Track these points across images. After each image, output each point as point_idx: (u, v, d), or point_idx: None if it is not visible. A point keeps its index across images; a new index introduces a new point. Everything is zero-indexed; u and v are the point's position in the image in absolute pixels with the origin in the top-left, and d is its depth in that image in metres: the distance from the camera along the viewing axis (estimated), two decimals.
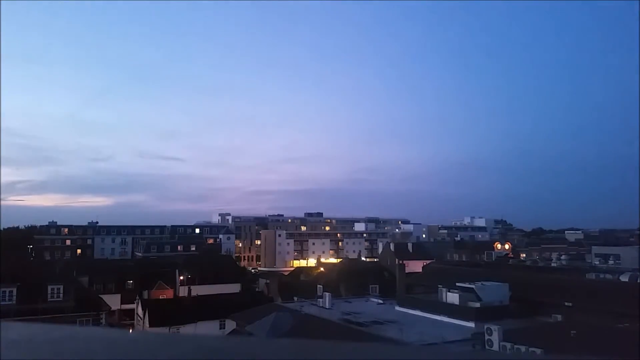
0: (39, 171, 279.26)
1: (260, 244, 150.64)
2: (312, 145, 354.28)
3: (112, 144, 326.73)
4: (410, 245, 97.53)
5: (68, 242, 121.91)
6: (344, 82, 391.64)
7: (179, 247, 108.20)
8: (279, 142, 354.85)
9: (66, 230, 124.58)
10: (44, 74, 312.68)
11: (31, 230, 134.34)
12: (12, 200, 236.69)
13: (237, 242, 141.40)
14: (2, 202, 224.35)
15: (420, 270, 72.11)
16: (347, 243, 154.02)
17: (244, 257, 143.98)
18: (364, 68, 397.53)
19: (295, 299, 51.35)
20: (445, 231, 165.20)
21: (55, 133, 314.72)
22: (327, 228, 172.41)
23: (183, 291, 62.68)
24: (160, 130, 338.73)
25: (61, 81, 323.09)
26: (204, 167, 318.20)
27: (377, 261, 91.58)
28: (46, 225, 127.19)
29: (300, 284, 68.31)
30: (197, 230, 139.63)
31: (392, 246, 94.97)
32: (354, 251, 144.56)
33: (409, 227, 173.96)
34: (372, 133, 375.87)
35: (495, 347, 28.37)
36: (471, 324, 34.51)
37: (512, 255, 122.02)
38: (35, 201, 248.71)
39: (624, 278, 51.86)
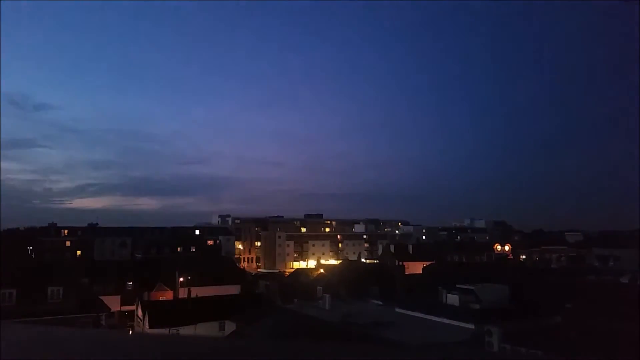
0: (120, 174, 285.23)
1: (260, 246, 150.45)
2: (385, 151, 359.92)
3: (225, 150, 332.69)
4: (410, 247, 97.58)
5: (68, 243, 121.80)
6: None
7: (178, 248, 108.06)
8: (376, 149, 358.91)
9: (66, 231, 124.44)
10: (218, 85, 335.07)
11: (31, 231, 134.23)
12: (76, 203, 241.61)
13: (237, 243, 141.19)
14: (61, 205, 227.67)
15: (420, 271, 72.10)
16: (347, 244, 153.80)
17: (244, 258, 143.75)
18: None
19: (295, 300, 51.31)
20: (445, 232, 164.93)
21: (182, 138, 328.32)
22: (327, 229, 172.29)
23: (183, 292, 62.62)
24: (291, 136, 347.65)
25: (229, 91, 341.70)
26: (293, 171, 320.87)
27: (377, 263, 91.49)
28: (46, 226, 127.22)
29: (300, 286, 68.15)
30: (197, 232, 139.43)
31: (392, 248, 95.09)
32: (353, 253, 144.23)
33: (408, 229, 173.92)
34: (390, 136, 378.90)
35: (495, 348, 28.29)
36: (471, 326, 34.47)
37: (512, 257, 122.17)
38: (88, 204, 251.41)
39: (624, 279, 51.89)
